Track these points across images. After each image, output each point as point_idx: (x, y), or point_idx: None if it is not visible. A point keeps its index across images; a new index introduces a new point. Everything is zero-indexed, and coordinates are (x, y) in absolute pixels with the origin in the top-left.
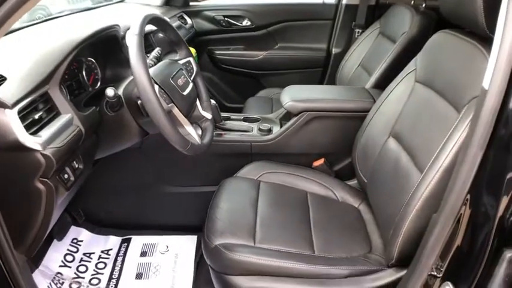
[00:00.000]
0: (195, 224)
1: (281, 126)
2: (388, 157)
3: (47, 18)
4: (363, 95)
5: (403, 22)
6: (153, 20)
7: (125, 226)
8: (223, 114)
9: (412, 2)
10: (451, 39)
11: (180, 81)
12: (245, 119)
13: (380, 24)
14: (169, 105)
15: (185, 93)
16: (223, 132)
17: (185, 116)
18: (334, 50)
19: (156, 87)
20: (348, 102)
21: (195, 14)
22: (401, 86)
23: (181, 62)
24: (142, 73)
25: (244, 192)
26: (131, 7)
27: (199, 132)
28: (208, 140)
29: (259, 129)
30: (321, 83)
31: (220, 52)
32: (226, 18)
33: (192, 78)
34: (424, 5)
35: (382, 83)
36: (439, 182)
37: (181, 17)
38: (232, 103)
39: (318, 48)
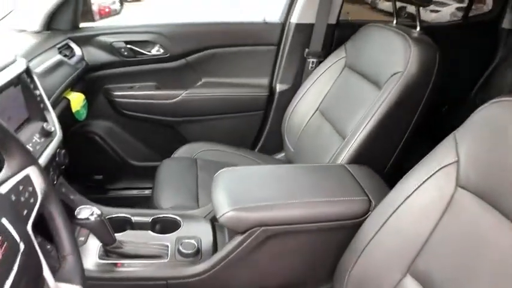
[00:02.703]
0: None
1: (215, 241)
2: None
3: None
4: (351, 189)
5: (391, 55)
6: None
7: None
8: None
9: (395, 21)
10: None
11: None
12: (155, 224)
13: (346, 53)
14: None
15: None
16: (119, 262)
17: None
18: (278, 87)
19: None
20: (329, 204)
21: (86, 40)
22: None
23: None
24: None
25: None
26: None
27: None
28: None
29: (179, 252)
30: (261, 131)
31: (121, 93)
32: (128, 46)
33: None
34: (418, 28)
35: (368, 153)
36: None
37: (67, 47)
38: (141, 161)
39: (257, 84)
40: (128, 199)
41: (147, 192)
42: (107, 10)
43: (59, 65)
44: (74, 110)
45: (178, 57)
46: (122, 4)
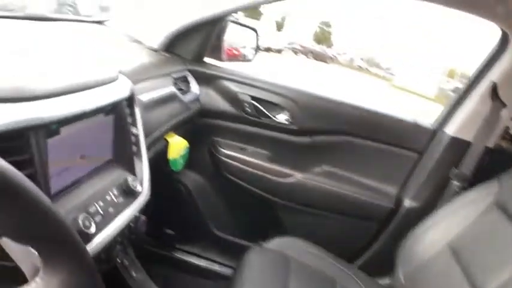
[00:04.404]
0: None
1: None
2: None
3: None
4: None
5: None
6: None
7: None
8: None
9: None
10: None
11: None
12: None
13: (499, 188)
14: None
15: None
16: None
17: None
18: (407, 202)
19: None
20: None
21: (207, 79)
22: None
23: None
24: None
25: None
26: (108, 41)
27: None
28: None
29: None
30: (370, 245)
31: (229, 152)
32: (254, 102)
33: None
34: None
35: None
36: None
37: (184, 79)
38: (224, 232)
39: (383, 191)
40: (196, 268)
41: (217, 268)
42: (235, 52)
43: (170, 98)
44: (170, 157)
45: (305, 133)
46: (256, 52)
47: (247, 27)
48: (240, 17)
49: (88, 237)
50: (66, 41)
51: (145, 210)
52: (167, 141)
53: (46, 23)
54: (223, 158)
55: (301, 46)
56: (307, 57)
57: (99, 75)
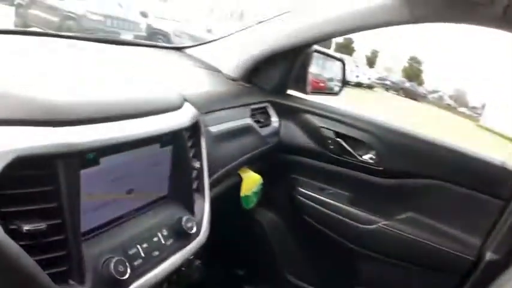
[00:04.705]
0: None
1: None
2: None
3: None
4: None
5: None
6: None
7: None
8: None
9: None
10: None
11: None
12: None
13: None
14: None
15: None
16: None
17: None
18: (489, 255)
19: None
20: None
21: (289, 112)
22: None
23: None
24: None
25: None
26: (183, 68)
27: None
28: None
29: None
30: None
31: (309, 192)
32: (338, 139)
33: None
34: None
35: None
36: None
37: (263, 111)
38: (296, 277)
39: (465, 241)
40: None
41: None
42: (321, 85)
43: (246, 131)
44: (242, 193)
45: (390, 175)
46: (342, 84)
47: (334, 57)
48: (331, 52)
49: (120, 284)
50: (135, 66)
51: (211, 248)
52: (240, 176)
53: (122, 47)
54: (301, 198)
55: (392, 82)
56: (398, 94)
57: (153, 102)
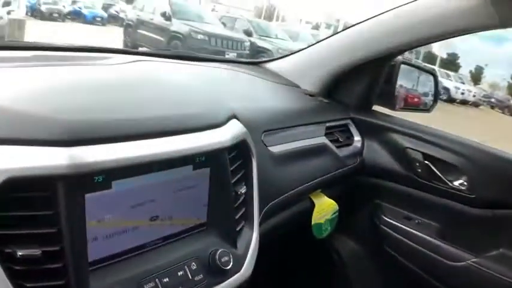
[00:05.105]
0: None
1: None
2: None
3: None
4: None
5: None
6: None
7: None
8: None
9: None
10: None
11: None
12: None
13: None
14: None
15: None
16: None
17: None
18: None
19: None
20: None
21: (373, 130)
22: None
23: None
24: None
25: None
26: (255, 86)
27: None
28: None
29: None
30: None
31: (392, 221)
32: (426, 162)
33: None
34: None
35: None
36: None
37: (345, 129)
38: None
39: None
40: None
41: None
42: (416, 100)
43: (318, 151)
44: (314, 221)
45: (483, 205)
46: (435, 101)
47: (424, 70)
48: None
49: None
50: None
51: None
52: (312, 201)
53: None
54: (384, 228)
55: (497, 100)
56: (503, 113)
57: (181, 120)
